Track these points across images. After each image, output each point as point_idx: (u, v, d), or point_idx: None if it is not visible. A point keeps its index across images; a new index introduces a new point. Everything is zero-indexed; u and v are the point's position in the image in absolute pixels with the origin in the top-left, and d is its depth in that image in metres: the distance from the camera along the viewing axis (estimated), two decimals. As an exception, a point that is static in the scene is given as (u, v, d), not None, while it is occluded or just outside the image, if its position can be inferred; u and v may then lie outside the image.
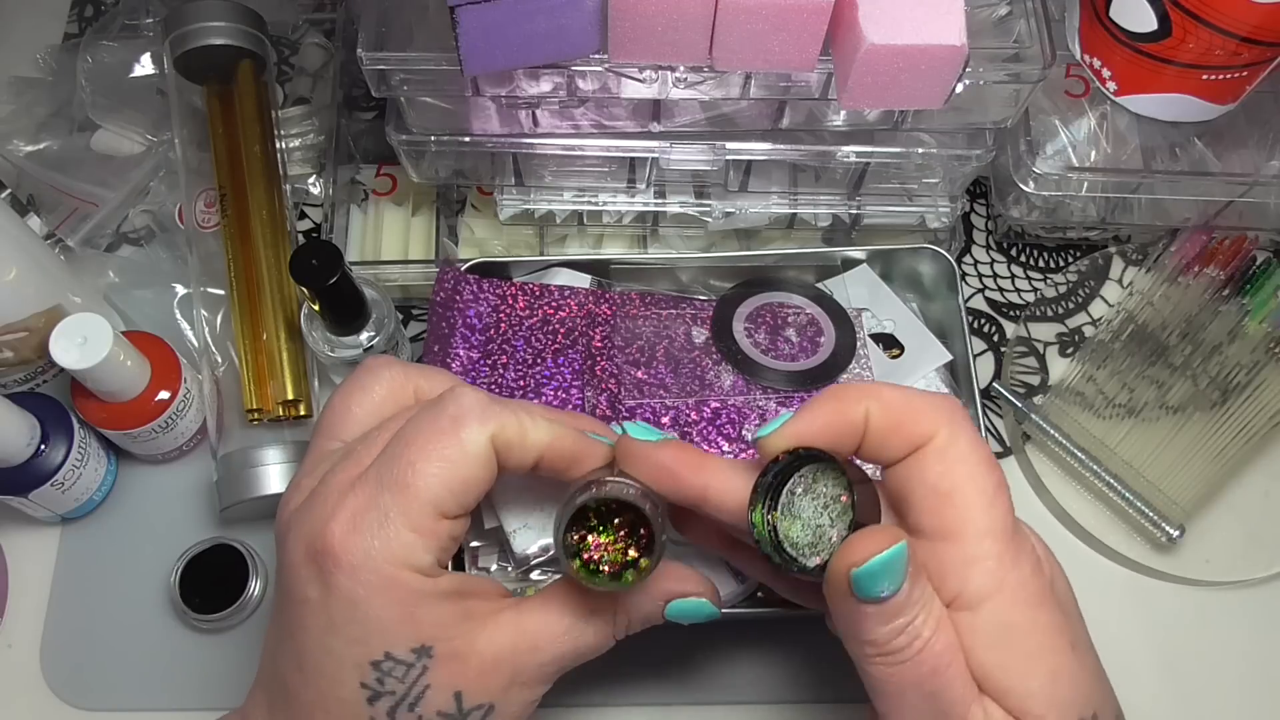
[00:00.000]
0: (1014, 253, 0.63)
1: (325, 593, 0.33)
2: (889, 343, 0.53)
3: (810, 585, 0.34)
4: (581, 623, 0.37)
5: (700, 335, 0.51)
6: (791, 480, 0.34)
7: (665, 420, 0.49)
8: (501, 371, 0.49)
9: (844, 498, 0.33)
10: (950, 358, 0.52)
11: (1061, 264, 0.62)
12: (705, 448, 0.48)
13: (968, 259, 0.62)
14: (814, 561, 0.33)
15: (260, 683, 0.37)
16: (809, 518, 0.33)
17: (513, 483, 0.47)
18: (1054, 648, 0.32)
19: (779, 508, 0.34)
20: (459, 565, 0.48)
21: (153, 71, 0.62)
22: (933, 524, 0.33)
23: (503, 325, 0.51)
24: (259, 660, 0.37)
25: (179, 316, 0.58)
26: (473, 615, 0.35)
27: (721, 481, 0.35)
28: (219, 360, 0.55)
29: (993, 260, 0.63)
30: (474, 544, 0.48)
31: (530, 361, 0.50)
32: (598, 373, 0.50)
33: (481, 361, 0.50)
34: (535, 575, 0.48)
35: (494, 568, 0.48)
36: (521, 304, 0.51)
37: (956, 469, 0.33)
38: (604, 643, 0.38)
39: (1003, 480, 0.33)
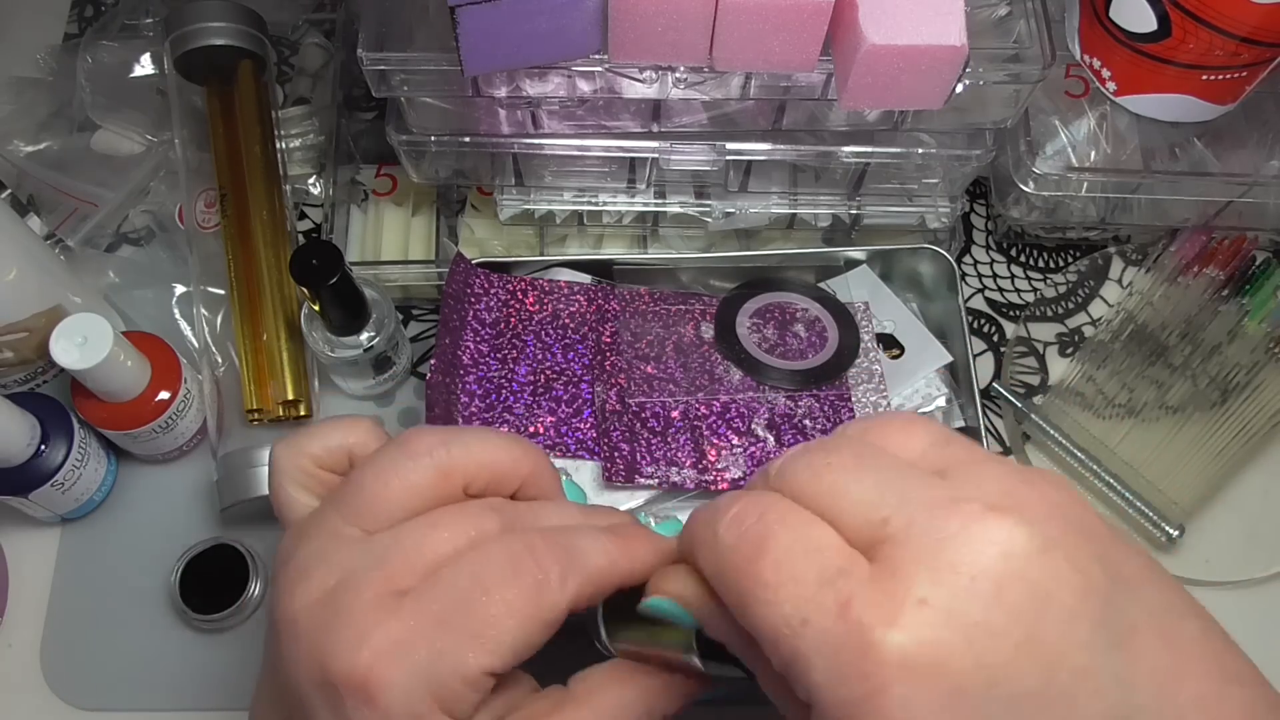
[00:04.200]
0: (1014, 253, 0.63)
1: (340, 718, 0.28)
2: (889, 343, 0.53)
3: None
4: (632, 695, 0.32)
5: (709, 331, 0.52)
6: None
7: (675, 414, 0.49)
8: (512, 366, 0.50)
9: None
10: (950, 359, 0.52)
11: (1061, 264, 0.62)
12: (715, 441, 0.48)
13: (968, 259, 0.62)
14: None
15: None
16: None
17: None
18: None
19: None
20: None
21: (153, 71, 0.62)
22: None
23: (513, 320, 0.51)
24: None
25: (178, 316, 0.58)
26: None
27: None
28: (219, 360, 0.55)
29: (992, 260, 0.63)
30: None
31: (540, 357, 0.50)
32: (607, 368, 0.50)
33: (491, 355, 0.50)
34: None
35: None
36: (531, 299, 0.52)
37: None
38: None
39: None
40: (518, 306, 0.51)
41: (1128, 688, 0.24)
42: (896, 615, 0.24)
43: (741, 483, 0.47)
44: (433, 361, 0.48)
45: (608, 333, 0.51)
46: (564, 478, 0.34)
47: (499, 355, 0.50)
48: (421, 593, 0.29)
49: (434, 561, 0.29)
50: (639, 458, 0.47)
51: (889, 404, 0.50)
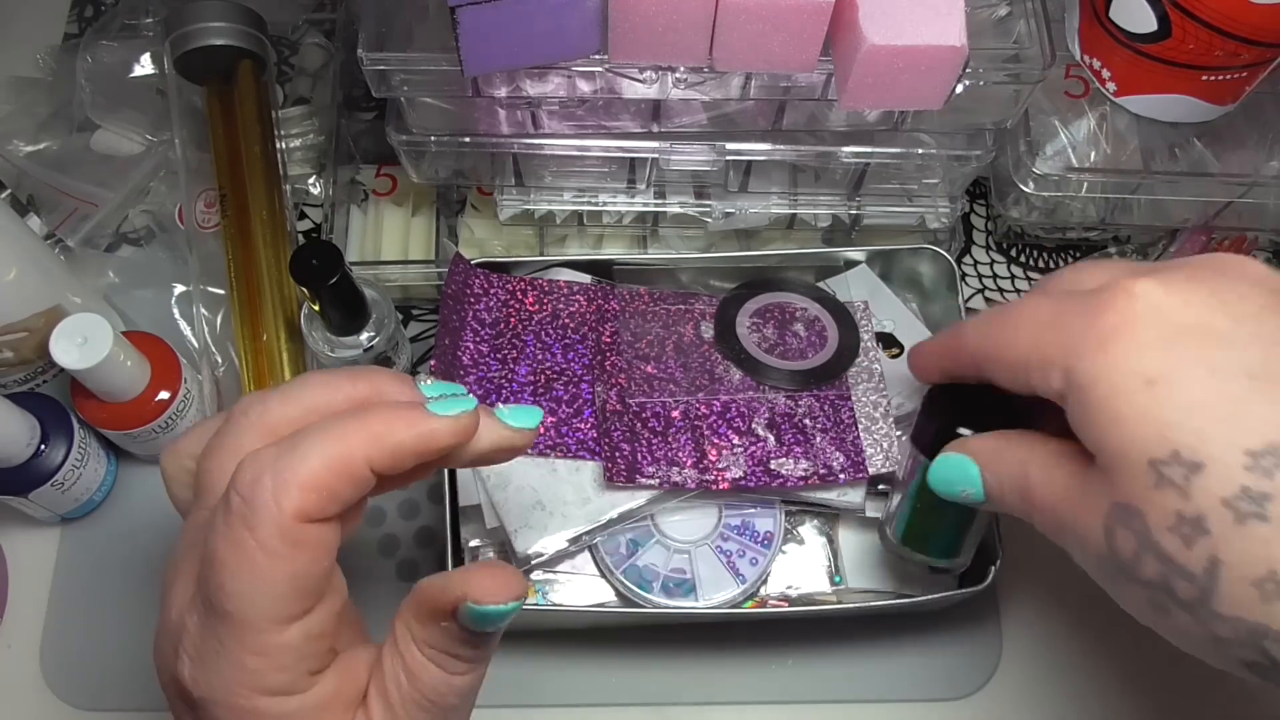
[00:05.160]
0: (1014, 253, 0.63)
1: None
2: (888, 342, 0.53)
3: None
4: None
5: (709, 330, 0.52)
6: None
7: (676, 414, 0.49)
8: (512, 366, 0.50)
9: None
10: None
11: (1061, 264, 0.62)
12: (716, 440, 0.48)
13: (967, 259, 0.62)
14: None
15: None
16: None
17: (513, 482, 0.47)
18: (1132, 389, 0.31)
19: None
20: (458, 565, 0.48)
21: (153, 71, 0.62)
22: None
23: (512, 320, 0.51)
24: None
25: (178, 316, 0.58)
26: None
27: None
28: (219, 360, 0.55)
29: (992, 260, 0.63)
30: (474, 543, 0.49)
31: (540, 357, 0.50)
32: (607, 368, 0.50)
33: (491, 355, 0.50)
34: (535, 576, 0.49)
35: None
36: (531, 299, 0.52)
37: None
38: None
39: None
40: (517, 306, 0.51)
41: None
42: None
43: (742, 482, 0.47)
44: (432, 362, 0.48)
45: (608, 332, 0.51)
46: (421, 381, 0.34)
47: (499, 355, 0.50)
48: (197, 591, 0.29)
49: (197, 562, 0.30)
50: (640, 458, 0.47)
51: (888, 403, 0.50)
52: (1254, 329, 0.30)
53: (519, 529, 0.46)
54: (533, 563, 0.47)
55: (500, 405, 0.33)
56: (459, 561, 0.48)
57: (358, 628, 0.33)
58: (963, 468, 0.37)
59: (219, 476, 0.30)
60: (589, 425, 0.48)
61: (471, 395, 0.33)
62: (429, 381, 0.34)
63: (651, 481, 0.47)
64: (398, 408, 0.31)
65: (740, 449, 0.48)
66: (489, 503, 0.47)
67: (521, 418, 0.33)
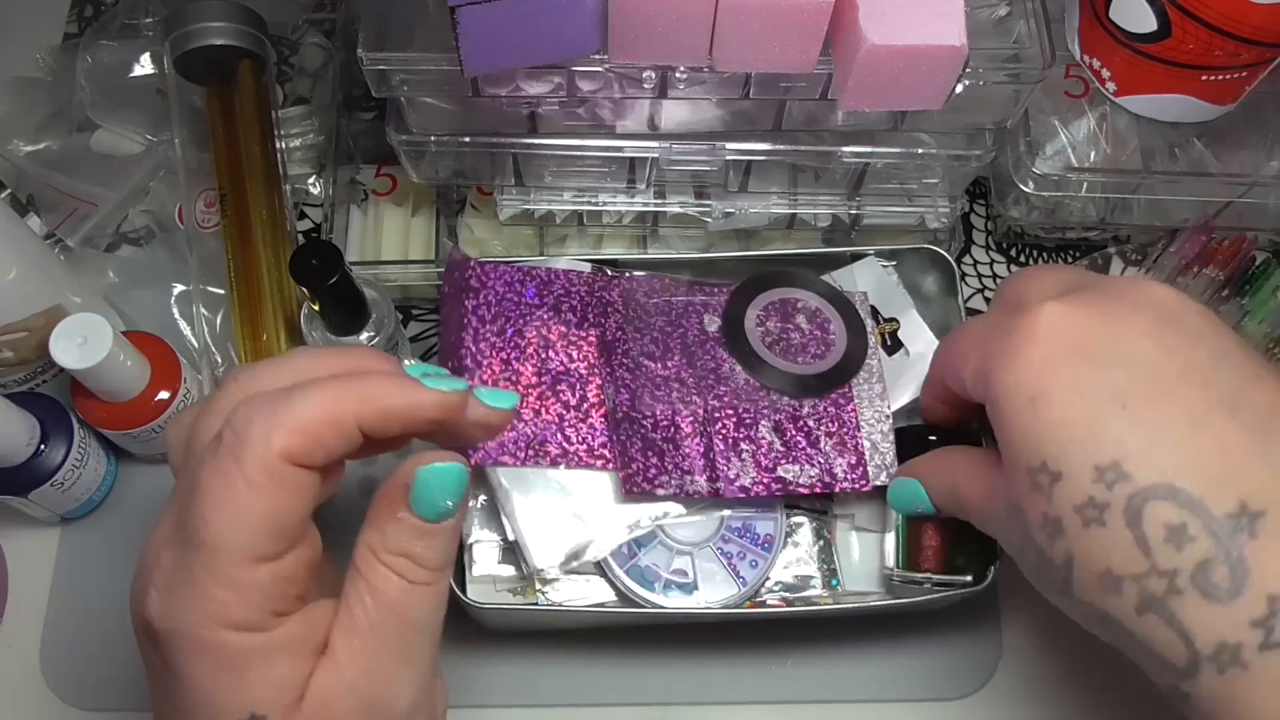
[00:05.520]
0: (1014, 253, 0.63)
1: (155, 662, 0.31)
2: (892, 340, 0.53)
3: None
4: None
5: (713, 324, 0.51)
6: None
7: (685, 424, 0.48)
8: (515, 367, 0.49)
9: None
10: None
11: (1060, 264, 0.62)
12: (724, 448, 0.48)
13: (967, 259, 0.62)
14: None
15: None
16: None
17: (526, 493, 0.47)
18: (1018, 407, 0.36)
19: None
20: (458, 563, 0.48)
21: (153, 71, 0.62)
22: None
23: (512, 315, 0.50)
24: None
25: (178, 316, 0.58)
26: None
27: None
28: (219, 360, 0.55)
29: (992, 260, 0.63)
30: (473, 542, 0.48)
31: (542, 356, 0.49)
32: (614, 367, 0.49)
33: (492, 355, 0.49)
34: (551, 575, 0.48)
35: (494, 568, 0.48)
36: (530, 291, 0.51)
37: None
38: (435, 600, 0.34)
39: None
40: (516, 300, 0.50)
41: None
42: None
43: (752, 490, 0.47)
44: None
45: (611, 326, 0.50)
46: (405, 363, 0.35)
47: (501, 355, 0.50)
48: (175, 525, 0.30)
49: (183, 495, 0.30)
50: (653, 469, 0.47)
51: (888, 404, 0.50)
52: (1126, 352, 0.34)
53: (532, 542, 0.46)
54: (547, 575, 0.47)
55: (479, 387, 0.35)
56: (458, 560, 0.48)
57: (332, 592, 0.33)
58: (910, 487, 0.45)
59: (205, 436, 0.31)
60: (599, 430, 0.48)
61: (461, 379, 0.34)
62: (412, 362, 0.35)
63: (667, 492, 0.46)
64: (393, 375, 0.32)
65: (748, 454, 0.48)
66: (503, 514, 0.47)
67: (499, 399, 0.35)
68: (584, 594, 0.49)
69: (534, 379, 0.49)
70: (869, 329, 0.52)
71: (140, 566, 0.31)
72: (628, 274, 0.52)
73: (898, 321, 0.53)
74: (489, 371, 0.49)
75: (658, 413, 0.48)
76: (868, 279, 0.54)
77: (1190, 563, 0.31)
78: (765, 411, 0.49)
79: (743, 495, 0.47)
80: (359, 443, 0.31)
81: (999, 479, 0.37)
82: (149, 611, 0.30)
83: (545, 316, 0.50)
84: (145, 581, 0.30)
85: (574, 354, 0.50)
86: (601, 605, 0.48)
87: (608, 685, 0.52)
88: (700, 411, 0.49)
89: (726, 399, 0.49)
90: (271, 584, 0.30)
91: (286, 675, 0.30)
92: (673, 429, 0.48)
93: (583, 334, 0.50)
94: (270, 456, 0.29)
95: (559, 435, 0.48)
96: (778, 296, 0.52)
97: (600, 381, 0.49)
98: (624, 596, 0.48)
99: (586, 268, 0.52)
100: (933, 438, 0.48)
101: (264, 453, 0.29)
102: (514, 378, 0.49)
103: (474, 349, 0.49)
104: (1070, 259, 0.62)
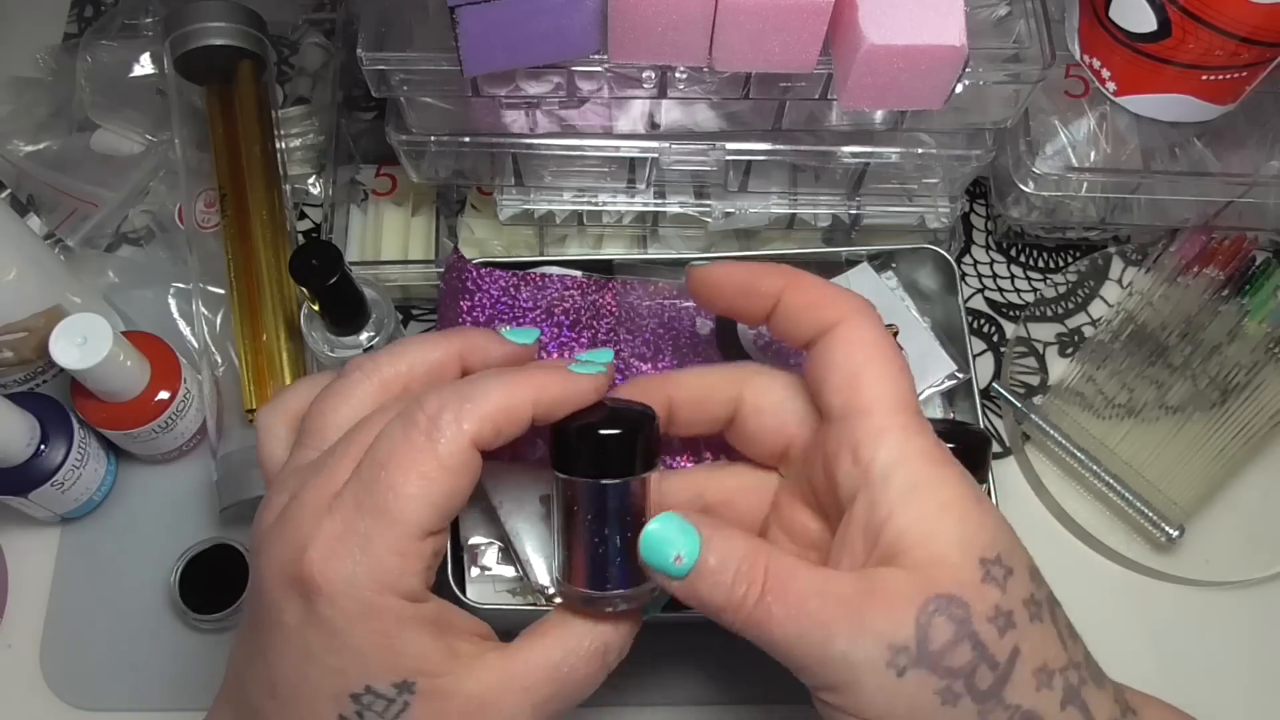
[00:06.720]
0: (1014, 253, 0.63)
1: (304, 620, 0.31)
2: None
3: None
4: (573, 656, 0.36)
5: (705, 326, 0.51)
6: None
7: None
8: None
9: None
10: (955, 367, 0.52)
11: (1061, 264, 0.62)
12: (712, 456, 0.48)
13: (967, 259, 0.62)
14: None
15: (227, 699, 0.35)
16: None
17: (524, 508, 0.47)
18: (961, 497, 0.33)
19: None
20: (457, 563, 0.48)
21: (153, 71, 0.62)
22: (844, 401, 0.34)
23: (506, 317, 0.50)
24: (224, 672, 0.35)
25: (178, 316, 0.58)
26: (458, 655, 0.33)
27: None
28: (219, 360, 0.55)
29: (992, 260, 0.63)
30: (473, 542, 0.49)
31: (537, 358, 0.49)
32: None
33: None
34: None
35: (494, 568, 0.48)
36: (525, 295, 0.51)
37: (863, 351, 0.35)
38: (596, 675, 0.37)
39: (905, 365, 0.35)
40: (510, 303, 0.51)
41: None
42: None
43: None
44: None
45: (603, 329, 0.51)
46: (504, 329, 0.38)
47: None
48: (345, 489, 0.32)
49: (358, 457, 0.32)
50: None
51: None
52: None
53: (537, 563, 0.46)
54: (549, 592, 0.47)
55: (504, 328, 0.38)
56: (458, 560, 0.48)
57: None
58: (684, 532, 0.34)
59: (331, 419, 0.34)
60: None
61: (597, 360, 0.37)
62: (509, 329, 0.39)
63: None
64: (552, 368, 0.35)
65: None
66: (508, 534, 0.47)
67: (522, 336, 0.38)
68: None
69: None
70: None
71: (287, 518, 0.32)
72: (621, 279, 0.53)
73: (896, 326, 0.53)
74: None
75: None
76: (863, 285, 0.54)
77: (1080, 653, 0.34)
78: None
79: None
80: (526, 430, 0.34)
81: (891, 578, 0.32)
82: (312, 569, 0.31)
83: (538, 319, 0.51)
84: (302, 540, 0.31)
85: (567, 357, 0.50)
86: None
87: (608, 685, 0.51)
88: None
89: None
90: (432, 558, 0.32)
91: (432, 648, 0.32)
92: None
93: (575, 335, 0.50)
94: (464, 440, 0.32)
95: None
96: None
97: None
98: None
99: (578, 273, 0.52)
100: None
101: (458, 435, 0.31)
102: None
103: None
104: (1070, 259, 0.62)
